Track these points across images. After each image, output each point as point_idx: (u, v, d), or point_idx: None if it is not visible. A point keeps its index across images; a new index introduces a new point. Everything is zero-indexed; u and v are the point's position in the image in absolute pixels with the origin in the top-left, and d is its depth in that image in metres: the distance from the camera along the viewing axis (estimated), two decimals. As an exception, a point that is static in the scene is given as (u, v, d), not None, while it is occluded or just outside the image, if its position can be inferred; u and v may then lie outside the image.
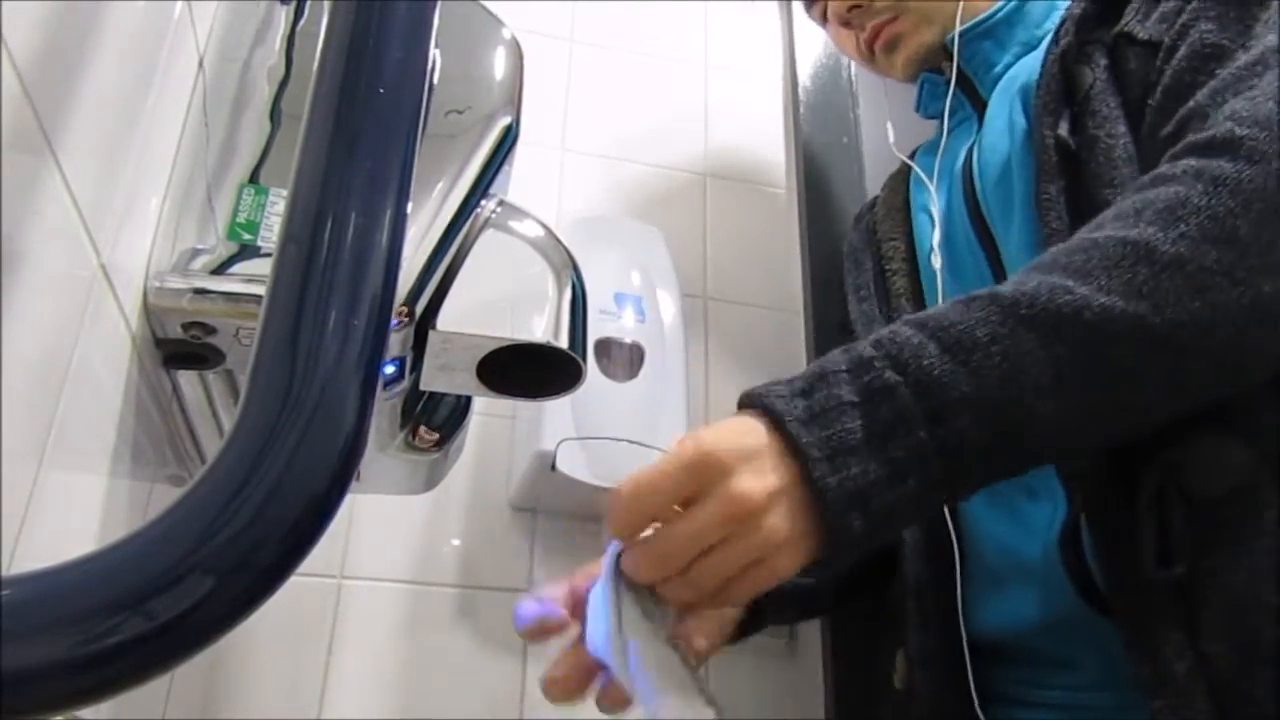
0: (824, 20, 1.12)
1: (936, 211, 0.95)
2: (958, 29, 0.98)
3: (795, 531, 0.55)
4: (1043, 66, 0.84)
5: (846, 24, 1.07)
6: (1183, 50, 0.73)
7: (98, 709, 0.37)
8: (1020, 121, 0.86)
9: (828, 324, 1.25)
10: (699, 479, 0.54)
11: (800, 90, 1.48)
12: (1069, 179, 0.76)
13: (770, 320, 1.36)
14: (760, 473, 0.54)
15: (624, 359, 1.14)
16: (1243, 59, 0.68)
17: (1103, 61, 0.80)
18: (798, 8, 1.54)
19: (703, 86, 1.49)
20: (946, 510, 0.85)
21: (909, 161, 1.05)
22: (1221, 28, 0.72)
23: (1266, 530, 0.63)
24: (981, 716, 0.79)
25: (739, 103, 1.50)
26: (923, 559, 0.87)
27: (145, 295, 0.65)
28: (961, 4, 0.98)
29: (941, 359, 0.56)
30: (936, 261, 0.92)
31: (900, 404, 0.55)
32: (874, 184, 1.35)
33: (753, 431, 0.56)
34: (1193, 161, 0.62)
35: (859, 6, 1.05)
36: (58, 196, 0.51)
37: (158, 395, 0.70)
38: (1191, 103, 0.69)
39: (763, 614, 0.87)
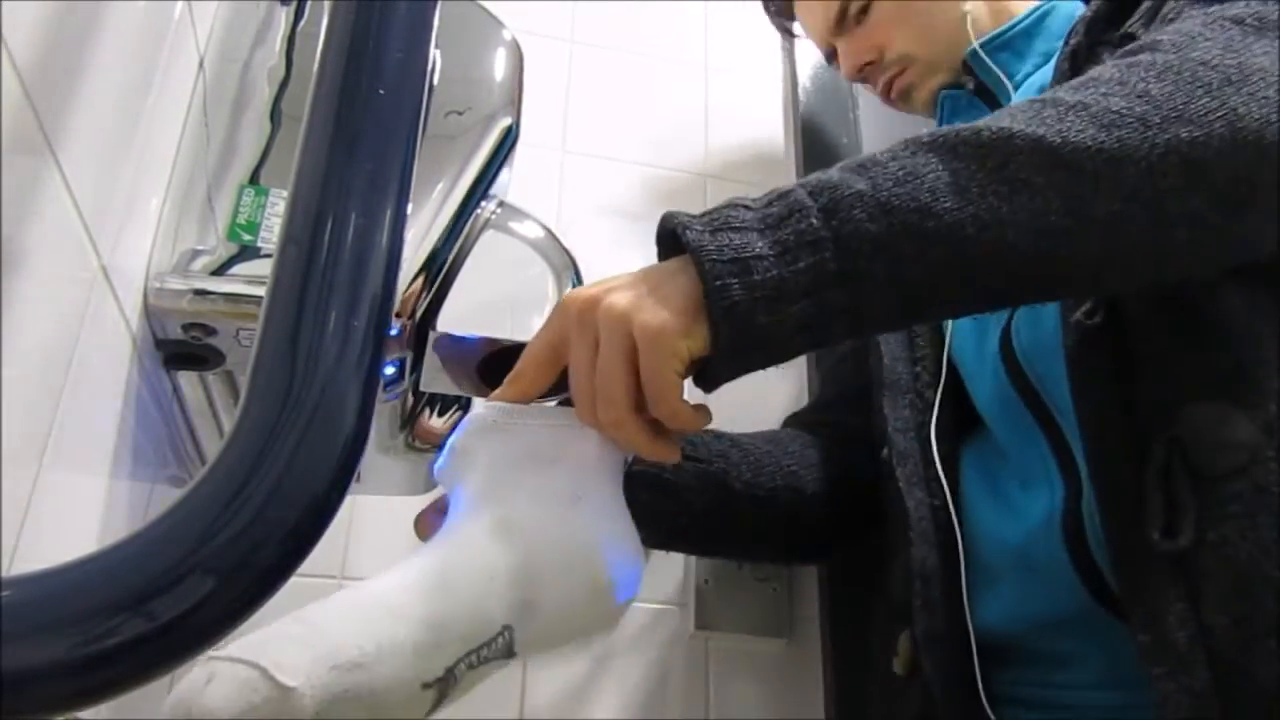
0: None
1: None
2: (975, 44, 0.99)
3: (651, 296, 0.53)
4: (1055, 67, 0.84)
5: (861, 80, 1.10)
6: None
7: (98, 709, 0.37)
8: None
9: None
10: (559, 314, 0.56)
11: (800, 92, 1.48)
12: None
13: (770, 321, 1.36)
14: (610, 282, 0.55)
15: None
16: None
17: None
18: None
19: (703, 88, 1.49)
20: (949, 496, 0.85)
21: None
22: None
23: (1271, 505, 0.63)
24: (988, 707, 0.78)
25: (739, 104, 1.50)
26: (930, 543, 0.86)
27: (145, 296, 0.65)
28: (973, 32, 0.99)
29: (841, 173, 0.56)
30: None
31: (794, 200, 0.55)
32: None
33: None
34: (1114, 59, 0.62)
35: (870, 64, 1.07)
36: (58, 198, 0.51)
37: (158, 396, 0.70)
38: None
39: None
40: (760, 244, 0.53)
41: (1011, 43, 0.99)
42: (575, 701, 1.09)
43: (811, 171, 0.58)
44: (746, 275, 0.52)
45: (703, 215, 0.56)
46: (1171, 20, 0.73)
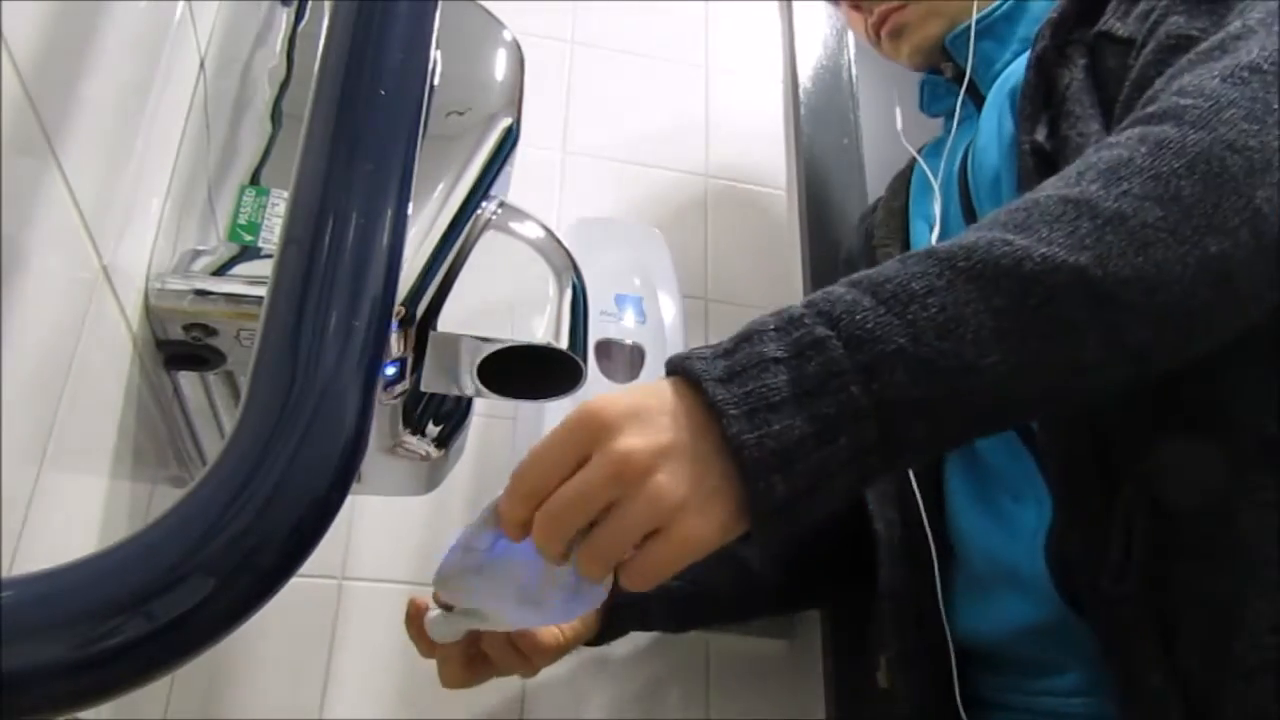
0: None
1: (937, 214, 0.94)
2: (972, 25, 0.96)
3: (697, 493, 0.50)
4: (1025, 73, 0.83)
5: (857, 6, 1.06)
6: (1151, 44, 0.72)
7: (98, 710, 0.37)
8: (1008, 126, 0.86)
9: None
10: (584, 441, 0.51)
11: (801, 92, 1.48)
12: None
13: (771, 321, 1.36)
14: (651, 430, 0.50)
15: (624, 360, 1.14)
16: (1203, 45, 0.67)
17: (1081, 62, 0.79)
18: (798, 9, 1.54)
19: (703, 88, 1.49)
20: (924, 512, 0.85)
21: (917, 156, 1.04)
22: (1191, 19, 0.70)
23: (1239, 544, 0.62)
24: (964, 717, 0.79)
25: (740, 104, 1.50)
26: (902, 562, 0.87)
27: (146, 297, 0.65)
28: (975, 4, 0.97)
29: (876, 311, 0.52)
30: None
31: (830, 358, 0.50)
32: (875, 186, 1.35)
33: (657, 393, 0.52)
34: (1137, 130, 0.60)
35: None
36: (59, 198, 0.51)
37: (159, 396, 0.70)
38: (1150, 90, 0.68)
39: (620, 613, 0.89)
40: (799, 423, 0.49)
41: (992, 28, 0.96)
42: (575, 701, 1.09)
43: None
44: (789, 467, 0.49)
45: (734, 375, 0.51)
46: (1157, 22, 0.73)
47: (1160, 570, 0.64)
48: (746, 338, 0.53)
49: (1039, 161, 0.77)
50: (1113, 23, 0.78)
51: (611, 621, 0.90)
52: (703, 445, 0.50)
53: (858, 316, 0.52)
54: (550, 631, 0.84)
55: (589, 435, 0.51)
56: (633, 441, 0.50)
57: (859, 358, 0.51)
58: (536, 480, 0.52)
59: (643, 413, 0.51)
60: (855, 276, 0.55)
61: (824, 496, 0.51)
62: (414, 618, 0.76)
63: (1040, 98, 0.80)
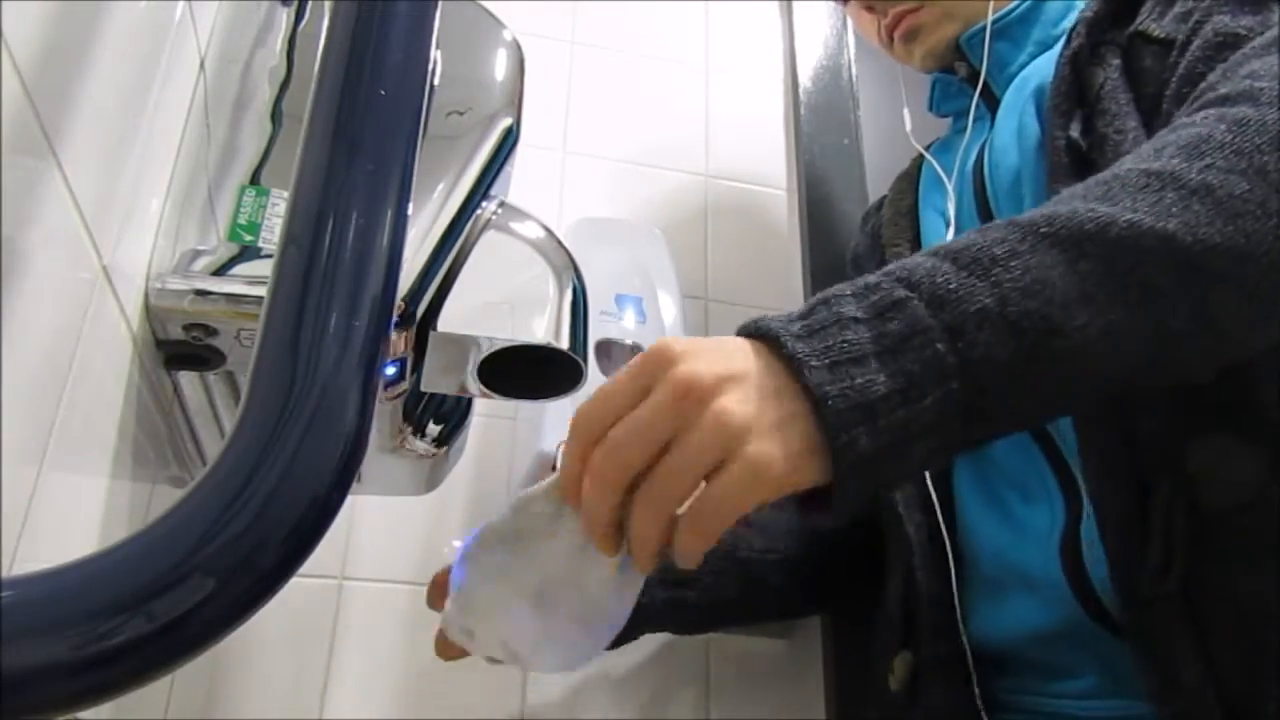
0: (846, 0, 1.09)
1: (952, 212, 0.93)
2: (988, 26, 0.96)
3: (767, 416, 0.47)
4: (1056, 70, 0.83)
5: (869, 8, 1.04)
6: (1197, 42, 0.72)
7: (98, 709, 0.37)
8: (1032, 126, 0.85)
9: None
10: (650, 372, 0.48)
11: (801, 92, 1.48)
12: (1081, 179, 0.76)
13: (771, 321, 1.36)
14: (719, 358, 0.48)
15: (625, 360, 1.13)
16: (1257, 41, 0.67)
17: (1115, 62, 0.79)
18: (798, 9, 1.54)
19: (704, 88, 1.49)
20: (940, 515, 0.84)
21: (927, 155, 1.03)
22: (1235, 17, 0.71)
23: (1275, 543, 0.62)
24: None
25: (740, 104, 1.50)
26: (929, 564, 0.86)
27: (146, 297, 0.65)
28: (991, 4, 0.96)
29: (958, 274, 0.50)
30: None
31: (914, 316, 0.48)
32: (875, 186, 1.35)
33: (733, 344, 0.49)
34: (1212, 110, 0.60)
35: None
36: (59, 198, 0.51)
37: (159, 396, 0.70)
38: (1204, 83, 0.67)
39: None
40: (883, 378, 0.47)
41: (1007, 30, 0.96)
42: (575, 701, 1.09)
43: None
44: (872, 421, 0.47)
45: (814, 333, 0.49)
46: (1200, 21, 0.73)
47: (1198, 568, 0.64)
48: (823, 301, 0.51)
49: (1073, 159, 0.76)
50: (1148, 23, 0.78)
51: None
52: (780, 385, 0.48)
53: (939, 279, 0.50)
54: None
55: (656, 366, 0.48)
56: (697, 366, 0.47)
57: (943, 317, 0.49)
58: (600, 416, 0.48)
59: (714, 346, 0.48)
60: (931, 247, 0.53)
61: (904, 462, 0.48)
62: (439, 586, 0.75)
63: (1074, 95, 0.80)
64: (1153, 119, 0.74)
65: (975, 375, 0.48)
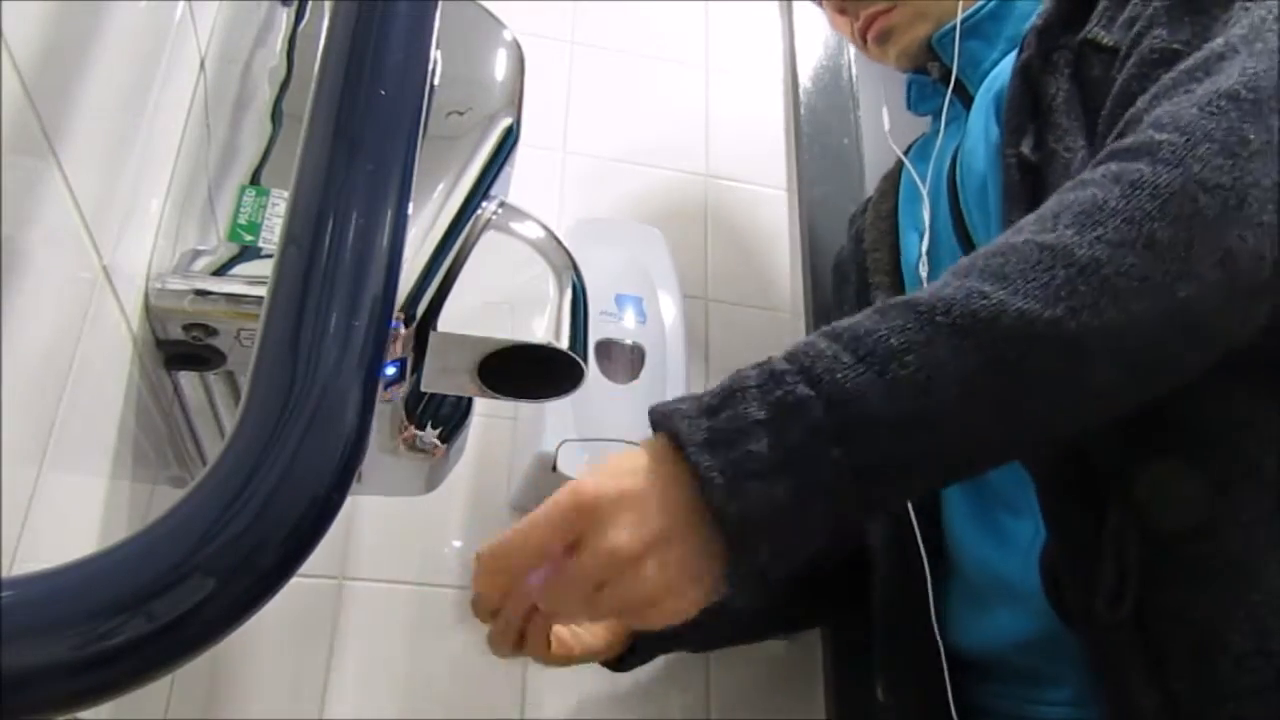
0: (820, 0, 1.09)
1: (926, 218, 0.93)
2: (957, 25, 0.95)
3: (685, 575, 0.53)
4: (1010, 81, 0.83)
5: (842, 10, 1.04)
6: (1133, 59, 0.71)
7: (98, 709, 0.37)
8: (994, 131, 0.85)
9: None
10: (575, 528, 0.54)
11: (801, 92, 1.48)
12: (1032, 198, 0.75)
13: (771, 322, 1.36)
14: (639, 521, 0.53)
15: (625, 360, 1.14)
16: (1186, 64, 0.66)
17: (1067, 70, 0.78)
18: (798, 9, 1.54)
19: (704, 88, 1.49)
20: (917, 525, 0.85)
21: (904, 159, 1.04)
22: (1173, 32, 0.70)
23: (1226, 565, 0.63)
24: None
25: (740, 104, 1.50)
26: (897, 572, 0.87)
27: (146, 297, 0.65)
28: (960, 3, 0.96)
29: (855, 369, 0.53)
30: (924, 271, 0.90)
31: (811, 422, 0.52)
32: (874, 186, 1.35)
33: (640, 470, 0.54)
34: (1112, 166, 0.60)
35: None
36: (59, 198, 0.51)
37: (159, 396, 0.70)
38: (1132, 109, 0.67)
39: (647, 640, 0.92)
40: (781, 493, 0.51)
41: (978, 28, 0.95)
42: (575, 701, 1.09)
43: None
44: (771, 536, 0.52)
45: (715, 445, 0.53)
46: (1140, 33, 0.72)
47: (1152, 594, 0.64)
48: (731, 394, 0.54)
49: (1024, 174, 0.77)
50: (1097, 30, 0.77)
51: (635, 647, 0.91)
52: (688, 525, 0.53)
53: (838, 375, 0.53)
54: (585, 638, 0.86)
55: (581, 524, 0.53)
56: (620, 537, 0.52)
57: (838, 420, 0.52)
58: (513, 562, 0.56)
59: (630, 501, 0.53)
60: (834, 327, 0.57)
61: (801, 554, 0.54)
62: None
63: (1026, 108, 0.80)
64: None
65: (866, 479, 0.53)
